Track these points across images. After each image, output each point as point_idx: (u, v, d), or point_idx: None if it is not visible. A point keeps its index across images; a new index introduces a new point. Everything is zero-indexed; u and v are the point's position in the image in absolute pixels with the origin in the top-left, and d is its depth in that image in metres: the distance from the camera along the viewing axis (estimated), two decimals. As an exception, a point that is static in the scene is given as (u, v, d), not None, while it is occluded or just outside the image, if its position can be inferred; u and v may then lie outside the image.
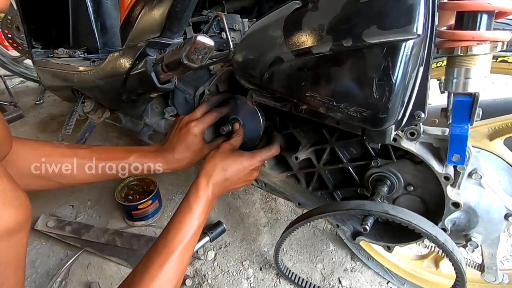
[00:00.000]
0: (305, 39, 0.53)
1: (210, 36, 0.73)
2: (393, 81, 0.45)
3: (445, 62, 0.54)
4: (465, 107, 0.53)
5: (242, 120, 0.88)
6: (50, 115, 1.90)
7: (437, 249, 0.76)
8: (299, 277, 0.93)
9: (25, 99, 2.08)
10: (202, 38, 0.56)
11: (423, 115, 0.54)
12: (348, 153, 0.76)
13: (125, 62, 0.79)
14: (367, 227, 0.58)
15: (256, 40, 0.63)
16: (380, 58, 0.45)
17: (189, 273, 0.99)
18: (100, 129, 1.73)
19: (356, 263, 1.00)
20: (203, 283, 0.96)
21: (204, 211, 0.62)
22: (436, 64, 0.69)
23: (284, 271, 0.93)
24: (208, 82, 0.87)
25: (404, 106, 0.49)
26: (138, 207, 1.08)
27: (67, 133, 1.09)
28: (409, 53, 0.45)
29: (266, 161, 0.88)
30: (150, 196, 1.10)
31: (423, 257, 0.91)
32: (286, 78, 0.56)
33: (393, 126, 0.52)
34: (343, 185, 0.80)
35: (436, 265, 0.88)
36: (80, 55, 1.31)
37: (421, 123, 0.57)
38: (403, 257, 0.92)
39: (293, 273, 0.94)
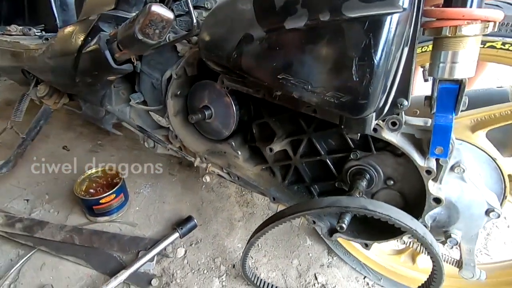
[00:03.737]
0: (277, 13, 0.46)
1: (173, 11, 0.64)
2: (375, 61, 0.39)
3: (430, 46, 0.49)
4: (450, 95, 0.48)
5: (213, 108, 0.81)
6: (5, 100, 1.73)
7: (414, 244, 0.73)
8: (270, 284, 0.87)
9: (-21, 82, 1.89)
10: (158, 8, 0.47)
11: (406, 103, 0.49)
12: (326, 144, 0.71)
13: (76, 39, 0.68)
14: (344, 225, 0.53)
15: (223, 15, 0.55)
16: (361, 35, 0.39)
17: (156, 272, 0.92)
18: (63, 117, 1.59)
19: (333, 258, 0.97)
20: (171, 282, 0.90)
21: None
22: (421, 49, 0.64)
23: (253, 279, 0.86)
24: (175, 65, 0.79)
25: (386, 92, 0.43)
26: (100, 201, 0.99)
27: (17, 120, 0.97)
28: (393, 29, 0.39)
29: (239, 153, 0.81)
30: (114, 190, 1.01)
31: (400, 252, 0.88)
32: (255, 58, 0.50)
33: (374, 115, 0.47)
34: (321, 179, 0.75)
35: (413, 260, 0.86)
36: (36, 34, 1.17)
37: (403, 113, 0.52)
38: (380, 252, 0.89)
39: (264, 281, 0.87)
